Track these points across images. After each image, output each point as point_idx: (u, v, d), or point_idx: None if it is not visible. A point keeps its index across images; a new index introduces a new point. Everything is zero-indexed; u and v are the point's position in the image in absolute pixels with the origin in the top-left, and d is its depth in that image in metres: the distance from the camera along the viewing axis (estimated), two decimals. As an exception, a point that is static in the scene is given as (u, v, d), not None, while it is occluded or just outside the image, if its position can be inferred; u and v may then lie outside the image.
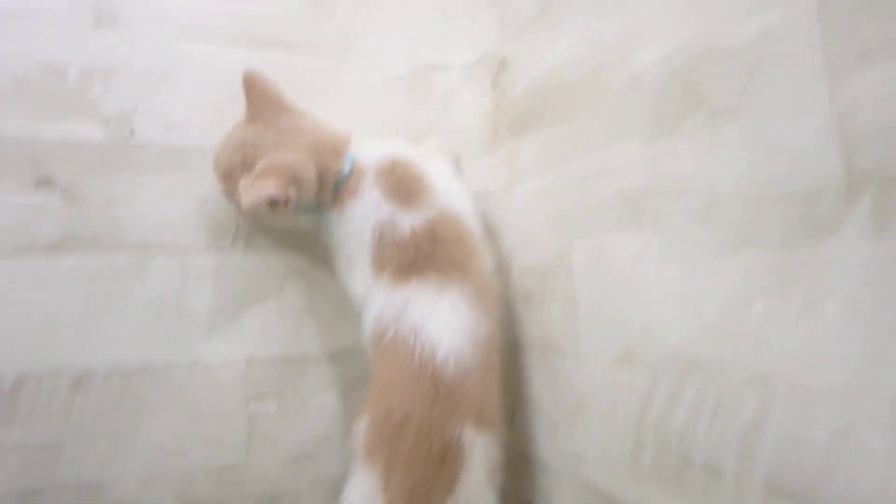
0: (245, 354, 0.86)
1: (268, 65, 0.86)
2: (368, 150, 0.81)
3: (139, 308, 0.82)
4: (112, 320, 0.81)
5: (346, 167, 0.78)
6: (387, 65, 0.98)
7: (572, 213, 0.74)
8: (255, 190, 0.72)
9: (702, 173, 0.56)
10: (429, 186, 0.79)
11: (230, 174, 0.77)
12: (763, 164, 0.51)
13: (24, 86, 0.79)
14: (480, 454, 0.71)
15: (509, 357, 0.86)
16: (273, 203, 0.73)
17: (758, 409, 0.50)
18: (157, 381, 0.82)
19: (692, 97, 0.57)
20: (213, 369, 0.85)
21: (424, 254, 0.76)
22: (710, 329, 0.55)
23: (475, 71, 1.01)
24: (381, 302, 0.76)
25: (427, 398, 0.69)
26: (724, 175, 0.54)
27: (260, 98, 0.79)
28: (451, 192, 0.82)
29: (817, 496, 0.46)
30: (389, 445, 0.69)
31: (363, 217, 0.78)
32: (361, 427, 0.73)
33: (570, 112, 0.75)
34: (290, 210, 0.76)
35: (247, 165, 0.76)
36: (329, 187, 0.78)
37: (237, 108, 0.84)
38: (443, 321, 0.74)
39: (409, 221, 0.76)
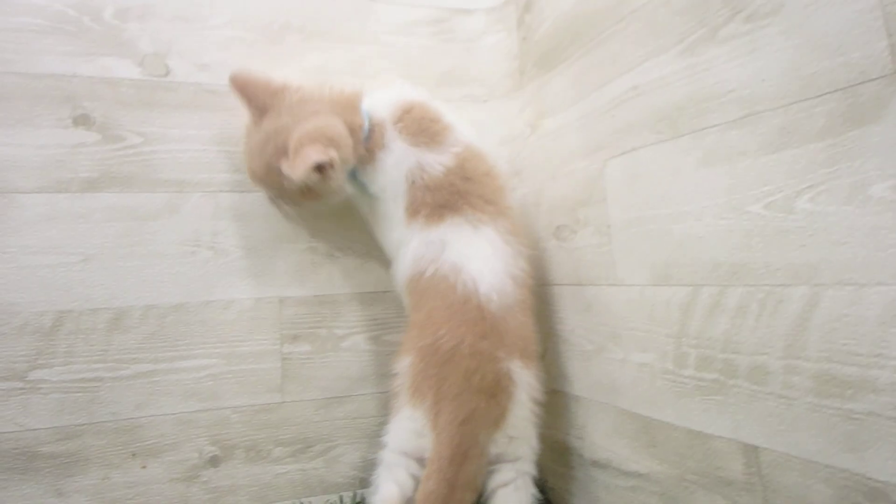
0: (278, 295, 0.87)
1: (295, 10, 0.89)
2: (379, 102, 0.81)
3: (174, 246, 0.83)
4: (148, 258, 0.82)
5: (366, 123, 0.79)
6: (411, 9, 0.99)
7: (605, 138, 0.74)
8: (298, 162, 0.70)
9: (741, 78, 0.56)
10: (448, 124, 0.80)
11: (270, 171, 0.75)
12: (805, 61, 0.51)
13: (60, 25, 0.80)
14: (526, 389, 0.71)
15: (539, 295, 0.86)
16: (320, 168, 0.72)
17: (804, 304, 0.51)
18: (192, 320, 0.83)
19: (729, 3, 0.57)
20: (246, 309, 0.85)
21: (458, 191, 0.76)
22: (752, 231, 0.55)
23: (499, 13, 1.01)
24: (417, 243, 0.76)
25: (476, 329, 0.69)
26: (764, 77, 0.54)
27: (255, 92, 0.77)
28: (467, 128, 0.83)
29: (868, 384, 0.46)
30: (438, 378, 0.68)
31: (395, 167, 0.78)
32: (403, 365, 0.72)
33: (600, 40, 0.75)
34: (339, 171, 0.74)
35: (280, 152, 0.74)
36: (359, 142, 0.78)
37: (270, 50, 0.86)
38: (482, 257, 0.74)
39: (438, 162, 0.77)
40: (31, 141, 0.78)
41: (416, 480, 0.68)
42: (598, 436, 0.77)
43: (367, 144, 0.79)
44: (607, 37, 0.74)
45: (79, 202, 0.79)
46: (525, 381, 0.71)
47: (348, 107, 0.79)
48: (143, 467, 0.80)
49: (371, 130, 0.79)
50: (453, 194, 0.76)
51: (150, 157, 0.82)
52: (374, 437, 0.91)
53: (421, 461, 0.68)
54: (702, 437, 0.61)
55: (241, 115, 0.83)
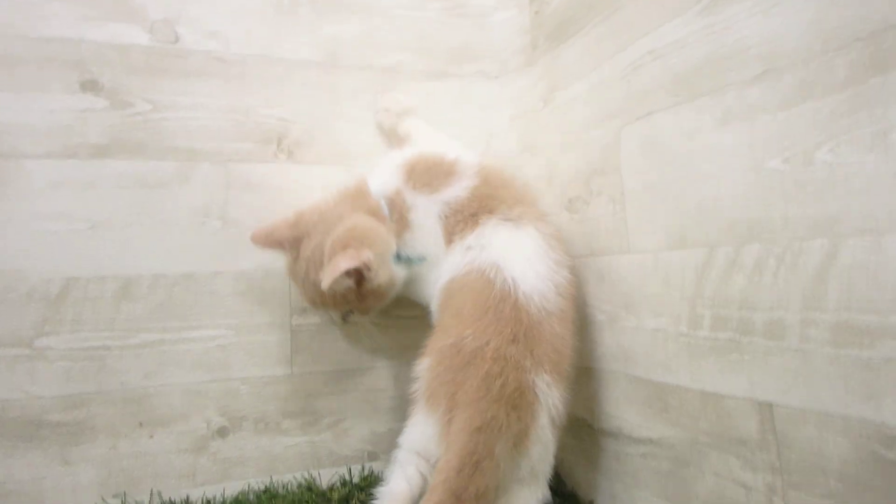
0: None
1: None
2: (382, 176, 0.80)
3: (184, 215, 0.82)
4: (157, 227, 0.81)
5: (382, 202, 0.77)
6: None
7: (621, 105, 0.75)
8: (327, 274, 0.68)
9: (762, 34, 0.56)
10: (454, 157, 0.79)
11: (323, 293, 0.73)
12: (827, 13, 0.51)
13: (71, -11, 0.80)
14: (550, 410, 0.64)
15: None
16: (356, 270, 0.70)
17: (823, 256, 0.51)
18: (202, 291, 0.83)
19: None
20: (256, 280, 0.85)
21: (487, 195, 0.75)
22: (771, 187, 0.55)
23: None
24: (454, 254, 0.73)
25: (506, 331, 0.64)
26: (785, 32, 0.54)
27: (279, 237, 0.77)
28: (471, 153, 0.81)
29: (887, 331, 0.46)
30: (455, 382, 0.62)
31: (426, 218, 0.76)
32: (422, 368, 0.67)
33: (617, 6, 0.76)
34: (383, 263, 0.72)
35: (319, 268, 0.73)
36: (386, 221, 0.76)
37: (281, 20, 0.86)
38: (525, 256, 0.70)
39: (461, 188, 0.75)
40: (38, 106, 0.77)
41: (427, 480, 0.63)
42: (608, 405, 0.77)
43: (393, 218, 0.77)
44: (624, 3, 0.74)
45: (87, 168, 0.78)
46: (550, 401, 0.64)
47: (359, 196, 0.78)
48: (151, 437, 0.79)
49: (391, 205, 0.77)
50: (484, 200, 0.75)
51: (159, 124, 0.82)
52: (383, 410, 0.91)
53: (435, 464, 0.62)
54: (715, 398, 0.61)
55: (252, 84, 0.84)
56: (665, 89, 0.67)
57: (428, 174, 0.77)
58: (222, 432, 0.82)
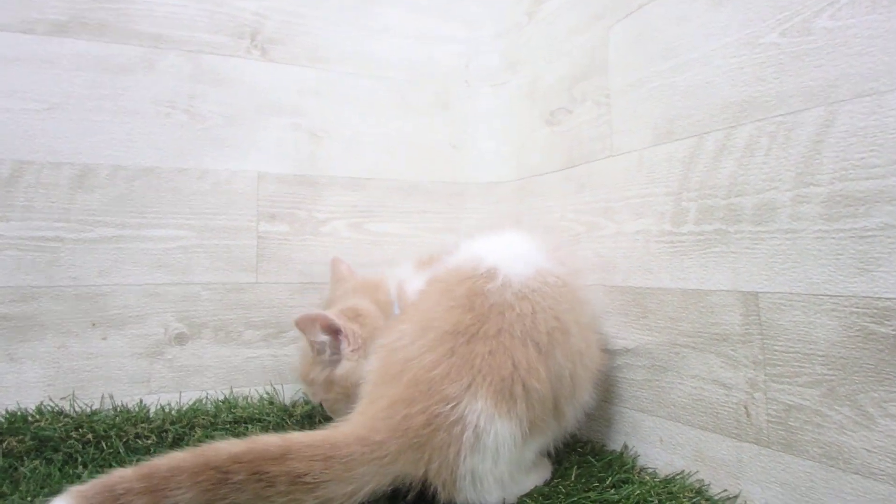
0: (257, 169, 0.82)
1: None
2: (399, 275, 0.75)
3: (147, 105, 0.78)
4: (118, 114, 0.76)
5: (396, 308, 0.72)
6: None
7: (608, 4, 0.70)
8: (311, 313, 0.67)
9: None
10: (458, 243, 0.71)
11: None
12: None
13: None
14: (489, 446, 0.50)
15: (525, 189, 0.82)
16: (336, 331, 0.66)
17: (818, 126, 0.47)
18: (164, 187, 0.78)
19: None
20: (222, 181, 0.81)
21: None
22: (766, 63, 0.51)
23: None
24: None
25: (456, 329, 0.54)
26: None
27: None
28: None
29: (885, 195, 0.42)
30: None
31: None
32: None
33: None
34: (360, 355, 0.67)
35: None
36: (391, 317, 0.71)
37: None
38: (511, 249, 0.62)
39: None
40: (-6, -24, 0.72)
41: None
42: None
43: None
44: None
45: (45, 46, 0.73)
46: (490, 435, 0.50)
47: (374, 288, 0.74)
48: (104, 339, 0.75)
49: (400, 299, 0.73)
50: None
51: (124, 6, 0.77)
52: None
53: None
54: (698, 295, 0.57)
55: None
56: (659, -27, 0.63)
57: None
58: (180, 339, 0.78)
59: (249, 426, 0.72)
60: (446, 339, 0.52)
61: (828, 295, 0.46)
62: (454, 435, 0.48)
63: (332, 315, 0.67)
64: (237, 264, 0.81)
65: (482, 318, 0.52)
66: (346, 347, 0.67)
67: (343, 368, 0.67)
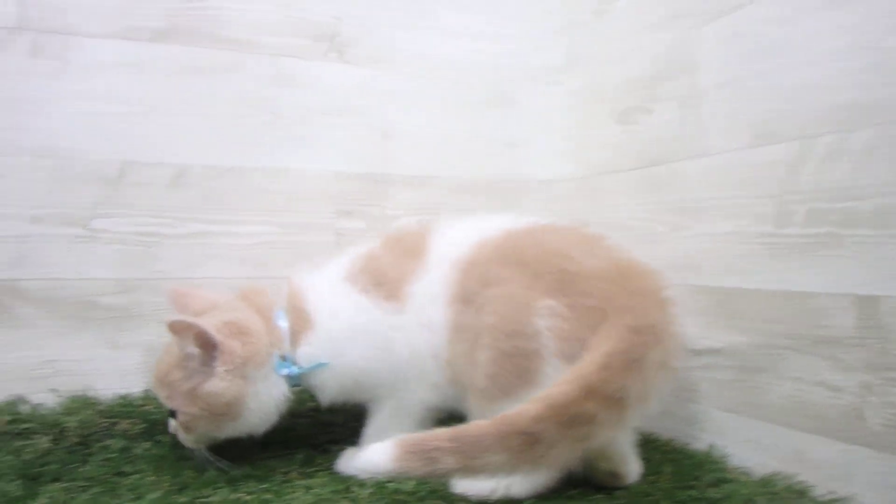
0: (334, 167, 0.85)
1: None
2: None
3: (234, 106, 0.81)
4: (208, 116, 0.80)
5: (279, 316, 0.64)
6: None
7: (696, 3, 0.69)
8: (181, 317, 0.58)
9: None
10: None
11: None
12: None
13: None
14: None
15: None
16: (202, 342, 0.57)
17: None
18: (249, 185, 0.81)
19: None
20: (302, 179, 0.84)
21: None
22: (884, 64, 0.50)
23: None
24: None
25: None
26: None
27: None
28: None
29: None
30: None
31: None
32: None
33: None
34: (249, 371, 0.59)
35: None
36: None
37: None
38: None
39: None
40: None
41: None
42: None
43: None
44: None
45: (145, 51, 0.77)
46: None
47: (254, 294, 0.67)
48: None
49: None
50: None
51: (216, 13, 0.80)
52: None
53: None
54: (801, 298, 0.57)
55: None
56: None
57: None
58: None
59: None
60: None
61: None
62: None
63: (210, 327, 0.57)
64: (316, 259, 0.84)
65: None
66: (219, 366, 0.58)
67: (213, 386, 0.58)
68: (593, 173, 0.88)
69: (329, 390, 0.62)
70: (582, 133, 0.91)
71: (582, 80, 0.91)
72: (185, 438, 0.60)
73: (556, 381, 0.47)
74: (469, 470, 0.46)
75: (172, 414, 0.61)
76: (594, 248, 0.58)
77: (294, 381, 0.61)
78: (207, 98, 0.79)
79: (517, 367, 0.52)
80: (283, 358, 0.60)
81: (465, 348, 0.56)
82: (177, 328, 0.58)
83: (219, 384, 0.58)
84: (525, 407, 0.46)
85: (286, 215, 0.83)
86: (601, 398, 0.46)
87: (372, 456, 0.46)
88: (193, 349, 0.58)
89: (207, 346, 0.58)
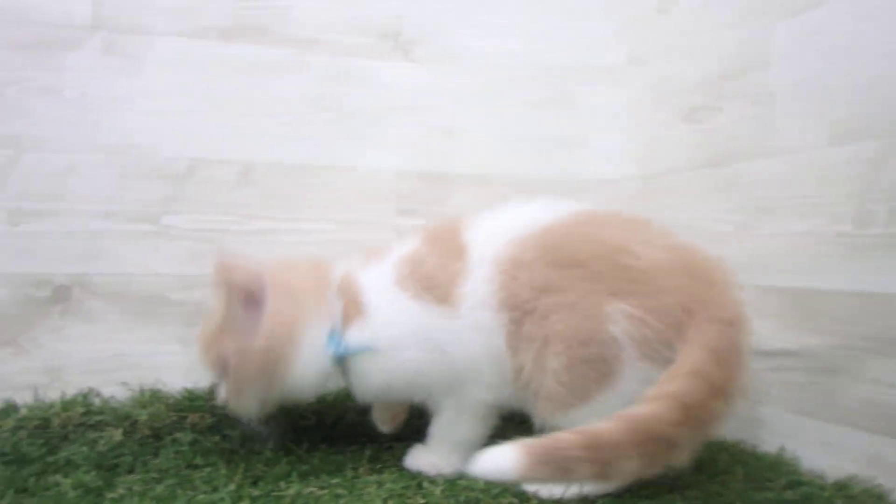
0: (396, 165, 0.86)
1: None
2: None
3: (299, 104, 0.82)
4: (274, 113, 0.81)
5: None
6: None
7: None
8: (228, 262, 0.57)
9: None
10: None
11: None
12: None
13: None
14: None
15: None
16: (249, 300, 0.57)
17: None
18: (313, 182, 0.83)
19: None
20: (366, 177, 0.84)
21: None
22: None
23: None
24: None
25: None
26: None
27: None
28: None
29: None
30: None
31: None
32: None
33: None
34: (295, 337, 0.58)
35: None
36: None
37: None
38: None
39: None
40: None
41: None
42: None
43: None
44: None
45: (214, 49, 0.78)
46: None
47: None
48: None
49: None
50: None
51: (283, 12, 0.81)
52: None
53: None
54: (881, 299, 0.56)
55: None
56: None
57: None
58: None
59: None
60: None
61: None
62: None
63: (262, 279, 0.56)
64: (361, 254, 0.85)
65: None
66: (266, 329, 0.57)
67: (260, 342, 0.56)
68: (657, 172, 0.87)
69: (371, 386, 0.60)
70: (645, 132, 0.90)
71: (646, 78, 0.90)
72: (236, 404, 0.59)
73: (668, 382, 0.47)
74: (601, 476, 0.46)
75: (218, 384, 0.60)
76: (647, 236, 0.56)
77: (338, 360, 0.59)
78: (273, 96, 0.81)
79: (595, 372, 0.51)
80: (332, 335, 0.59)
81: (530, 356, 0.54)
82: (225, 271, 0.56)
83: (264, 343, 0.56)
84: (653, 410, 0.45)
85: (349, 213, 0.84)
86: (723, 395, 0.48)
87: (498, 462, 0.45)
88: (239, 312, 0.56)
89: (254, 299, 0.56)
